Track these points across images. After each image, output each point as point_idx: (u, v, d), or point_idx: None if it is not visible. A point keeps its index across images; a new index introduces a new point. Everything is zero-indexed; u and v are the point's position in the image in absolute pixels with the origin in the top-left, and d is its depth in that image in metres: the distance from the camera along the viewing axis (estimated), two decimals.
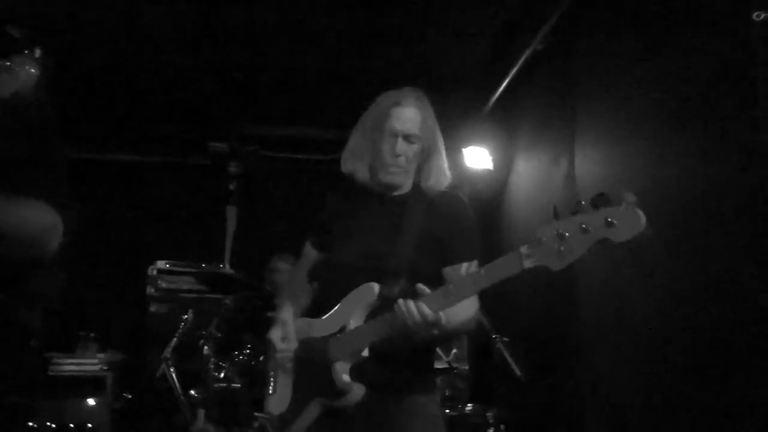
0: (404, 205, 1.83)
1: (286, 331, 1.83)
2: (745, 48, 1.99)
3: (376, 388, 1.68)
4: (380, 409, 1.70)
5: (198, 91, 4.44)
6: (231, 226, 4.70)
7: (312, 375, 1.74)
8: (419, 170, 1.86)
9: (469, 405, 3.32)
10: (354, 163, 1.87)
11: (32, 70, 1.03)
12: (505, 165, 4.45)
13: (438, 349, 3.16)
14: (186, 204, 5.14)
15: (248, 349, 3.35)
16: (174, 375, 3.29)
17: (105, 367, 3.98)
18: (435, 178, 1.84)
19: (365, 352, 1.66)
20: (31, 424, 3.30)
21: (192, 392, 3.27)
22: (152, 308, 4.13)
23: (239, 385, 3.22)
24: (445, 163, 1.87)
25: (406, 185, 1.87)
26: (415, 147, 1.81)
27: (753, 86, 1.95)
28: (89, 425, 3.70)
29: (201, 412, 3.18)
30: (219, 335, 3.35)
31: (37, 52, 1.04)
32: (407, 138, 1.80)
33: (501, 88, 4.18)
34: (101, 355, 4.07)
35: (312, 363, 1.75)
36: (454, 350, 3.64)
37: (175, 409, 3.37)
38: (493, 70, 4.15)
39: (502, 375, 3.10)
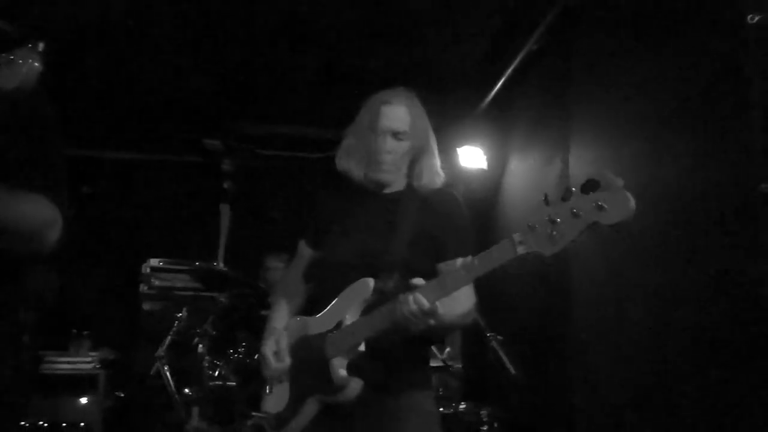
0: (398, 202, 1.85)
1: (280, 347, 1.83)
2: (739, 49, 2.02)
3: (372, 384, 1.68)
4: (377, 405, 1.71)
5: (193, 89, 4.43)
6: (225, 223, 4.70)
7: (309, 372, 1.75)
8: (412, 169, 1.88)
9: (462, 403, 3.33)
10: (348, 162, 1.90)
11: (36, 64, 1.02)
12: (499, 165, 4.47)
13: (433, 348, 3.17)
14: (180, 202, 5.12)
15: (243, 347, 3.35)
16: (168, 373, 3.27)
17: (98, 366, 3.96)
18: (428, 177, 1.86)
19: (361, 347, 1.67)
20: (23, 423, 3.27)
21: (186, 390, 3.26)
22: (145, 306, 4.11)
23: (234, 384, 3.22)
24: (438, 162, 1.89)
25: (398, 183, 1.88)
26: (404, 144, 1.84)
27: (747, 87, 1.98)
28: (81, 424, 3.68)
29: (195, 411, 3.18)
30: (214, 333, 3.35)
31: (41, 46, 1.04)
32: (396, 135, 1.82)
33: (496, 88, 4.20)
34: (94, 354, 4.05)
35: (309, 360, 1.76)
36: (448, 349, 3.66)
37: (168, 407, 3.36)
38: (489, 70, 4.17)
39: (496, 373, 3.11)
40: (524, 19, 3.61)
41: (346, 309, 1.72)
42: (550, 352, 3.36)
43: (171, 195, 5.15)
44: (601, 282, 2.86)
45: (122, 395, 3.90)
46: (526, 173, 4.00)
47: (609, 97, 2.90)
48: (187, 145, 4.92)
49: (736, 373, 1.94)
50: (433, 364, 3.22)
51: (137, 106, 4.67)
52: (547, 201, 1.37)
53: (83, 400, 3.78)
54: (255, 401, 3.05)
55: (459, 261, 1.72)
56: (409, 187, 1.88)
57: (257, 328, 3.58)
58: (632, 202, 1.26)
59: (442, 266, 1.77)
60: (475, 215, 1.92)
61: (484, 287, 1.79)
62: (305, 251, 2.00)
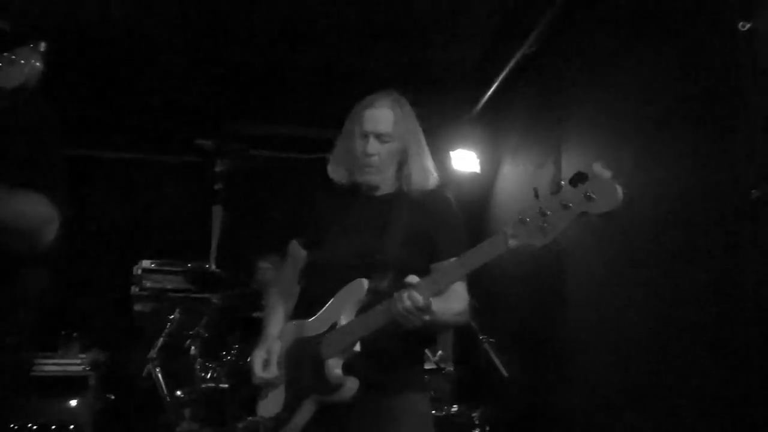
0: (390, 203, 1.86)
1: (270, 356, 1.84)
2: (730, 55, 2.05)
3: (368, 384, 1.69)
4: (373, 405, 1.72)
5: (187, 89, 4.42)
6: (217, 225, 4.67)
7: (305, 374, 1.75)
8: (402, 170, 1.90)
9: (455, 406, 3.34)
10: (336, 168, 1.94)
11: (37, 63, 1.03)
12: (492, 168, 4.50)
13: (426, 351, 3.18)
14: (172, 202, 5.09)
15: (235, 349, 3.33)
16: (160, 375, 3.25)
17: (88, 367, 3.92)
18: (419, 178, 1.88)
19: (357, 347, 1.68)
20: (12, 425, 3.24)
21: (178, 392, 3.24)
22: (137, 307, 4.08)
23: (227, 386, 3.20)
24: (429, 162, 1.91)
25: (387, 185, 1.90)
26: (389, 146, 1.85)
27: (738, 92, 2.01)
28: (71, 426, 3.64)
29: (187, 413, 3.16)
30: (206, 335, 3.33)
31: (42, 46, 1.04)
32: (379, 137, 1.84)
33: (490, 92, 4.22)
34: (84, 355, 4.01)
35: (304, 362, 1.76)
36: (440, 351, 3.66)
37: (160, 409, 3.34)
38: (482, 73, 4.20)
39: (488, 375, 3.13)
40: (518, 23, 3.64)
41: (341, 310, 1.73)
42: (544, 354, 3.38)
43: (163, 196, 5.12)
44: (594, 283, 2.89)
45: (113, 397, 3.86)
46: (518, 177, 4.03)
47: (601, 101, 2.93)
48: (181, 146, 4.89)
49: (734, 373, 1.96)
50: (426, 366, 3.22)
51: (130, 105, 4.64)
52: (537, 194, 1.39)
53: (73, 402, 3.73)
54: (247, 404, 3.05)
55: (453, 260, 1.73)
56: (401, 188, 1.90)
57: (250, 330, 3.59)
58: (620, 192, 1.29)
59: (436, 266, 1.78)
60: (467, 218, 1.93)
61: (477, 290, 1.80)
62: (298, 252, 2.01)
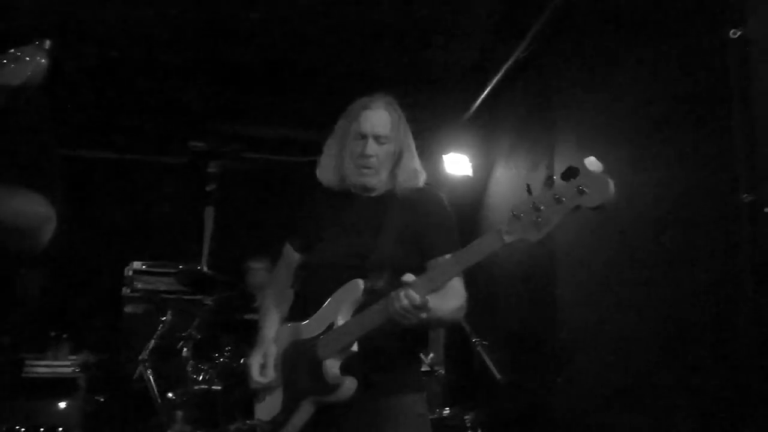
0: (382, 203, 1.87)
1: (267, 360, 1.84)
2: (722, 61, 2.08)
3: (365, 384, 1.69)
4: (371, 406, 1.72)
5: (181, 90, 4.41)
6: (209, 226, 4.66)
7: (302, 375, 1.75)
8: (393, 172, 1.90)
9: (446, 408, 3.34)
10: (326, 171, 1.93)
11: (42, 61, 1.03)
12: (484, 172, 4.51)
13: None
14: (164, 204, 5.07)
15: (228, 350, 3.32)
16: (152, 377, 3.24)
17: (78, 369, 3.89)
18: (409, 177, 1.89)
19: (354, 347, 1.68)
20: (2, 427, 3.20)
21: (170, 395, 3.22)
22: (128, 309, 4.06)
23: (219, 388, 3.19)
24: (417, 163, 1.93)
25: (380, 186, 1.91)
26: (386, 148, 1.86)
27: (728, 97, 2.05)
28: (60, 428, 3.60)
29: (179, 415, 3.14)
30: (199, 337, 3.32)
31: (47, 43, 1.04)
32: (377, 139, 1.85)
33: (482, 96, 4.24)
34: (74, 357, 3.98)
35: (301, 363, 1.76)
36: (431, 354, 3.67)
37: (152, 411, 3.32)
38: (475, 77, 4.22)
39: (481, 378, 3.14)
40: (512, 27, 3.67)
41: (338, 311, 1.73)
42: (537, 356, 3.40)
43: (155, 197, 5.10)
44: (587, 285, 2.91)
45: (103, 399, 3.82)
46: (511, 180, 4.05)
47: (595, 105, 2.96)
48: (173, 147, 4.88)
49: (721, 375, 1.98)
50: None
51: (123, 106, 4.62)
52: (530, 190, 1.41)
53: (62, 404, 3.70)
54: (240, 406, 3.04)
55: (447, 257, 1.75)
56: (391, 188, 1.90)
57: (242, 332, 3.58)
58: (612, 185, 1.30)
59: (431, 263, 1.79)
60: (459, 222, 1.94)
61: (470, 291, 1.81)
62: (291, 255, 2.01)
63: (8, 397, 3.34)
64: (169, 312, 3.39)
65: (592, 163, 1.32)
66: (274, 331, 1.91)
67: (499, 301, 3.83)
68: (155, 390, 3.23)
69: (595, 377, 2.79)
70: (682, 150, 2.28)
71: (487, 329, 3.27)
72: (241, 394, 3.00)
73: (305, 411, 1.73)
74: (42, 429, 3.55)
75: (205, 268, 4.28)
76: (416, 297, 1.54)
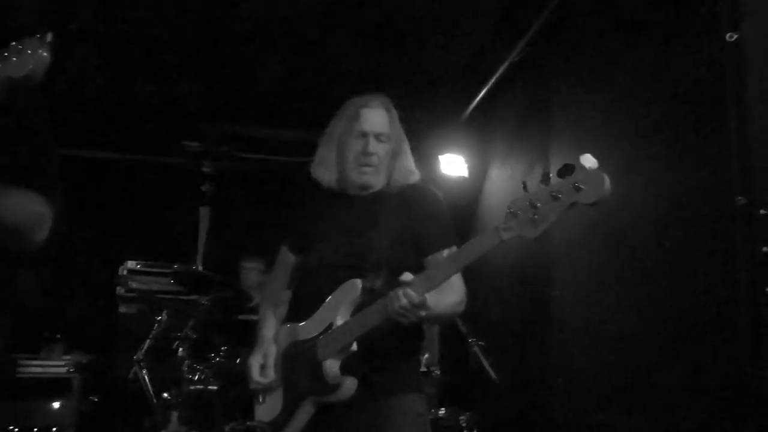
0: (377, 202, 1.87)
1: (267, 360, 1.84)
2: (715, 64, 2.10)
3: (365, 384, 1.70)
4: (371, 406, 1.72)
5: (176, 90, 4.40)
6: (204, 226, 4.64)
7: (302, 376, 1.75)
8: (388, 171, 1.91)
9: (441, 409, 3.34)
10: (323, 171, 1.93)
11: (44, 54, 1.02)
12: (480, 173, 4.52)
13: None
14: (158, 204, 5.05)
15: (224, 351, 3.31)
16: (147, 377, 3.22)
17: (71, 369, 3.87)
18: (404, 175, 1.90)
19: (354, 347, 1.68)
20: None
21: (165, 395, 3.20)
22: (122, 309, 4.04)
23: (215, 388, 3.17)
24: (411, 161, 1.94)
25: (377, 185, 1.91)
26: (386, 146, 1.88)
27: (722, 99, 2.06)
28: (54, 429, 3.58)
29: (174, 415, 3.13)
30: (194, 337, 3.30)
31: (49, 36, 1.04)
32: (378, 137, 1.86)
33: (479, 97, 4.26)
34: (67, 357, 3.96)
35: (301, 364, 1.76)
36: (426, 355, 3.67)
37: (147, 411, 3.30)
38: (471, 78, 4.23)
39: (477, 379, 3.14)
40: (507, 29, 3.68)
41: (336, 311, 1.73)
42: (533, 357, 3.40)
43: (150, 196, 5.08)
44: (584, 287, 2.92)
45: (97, 400, 3.80)
46: (506, 181, 4.06)
47: (590, 107, 2.98)
48: (168, 147, 4.86)
49: (716, 373, 2.00)
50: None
51: (119, 106, 4.60)
52: (526, 187, 1.41)
53: (56, 405, 3.69)
54: (236, 406, 3.03)
55: (445, 253, 1.75)
56: (387, 186, 1.91)
57: (238, 332, 3.56)
58: (608, 181, 1.31)
59: (429, 259, 1.80)
60: (455, 222, 1.94)
61: (467, 292, 1.81)
62: (288, 257, 2.01)
63: (2, 398, 3.33)
64: (164, 312, 3.37)
65: (587, 159, 1.33)
66: (273, 332, 1.91)
67: (496, 303, 3.84)
68: (150, 390, 3.21)
69: (592, 379, 2.80)
70: (679, 151, 2.30)
71: (483, 330, 3.27)
72: (237, 394, 2.99)
73: (305, 411, 1.73)
74: (36, 429, 3.54)
75: (201, 268, 4.27)
76: (415, 296, 1.54)
